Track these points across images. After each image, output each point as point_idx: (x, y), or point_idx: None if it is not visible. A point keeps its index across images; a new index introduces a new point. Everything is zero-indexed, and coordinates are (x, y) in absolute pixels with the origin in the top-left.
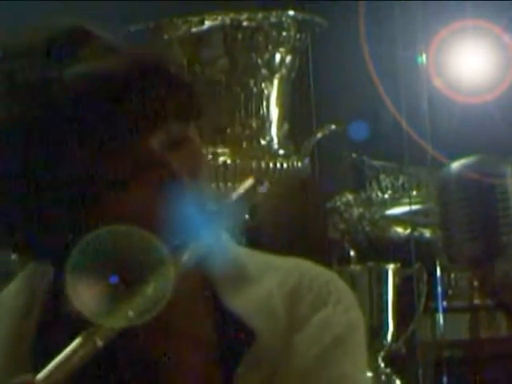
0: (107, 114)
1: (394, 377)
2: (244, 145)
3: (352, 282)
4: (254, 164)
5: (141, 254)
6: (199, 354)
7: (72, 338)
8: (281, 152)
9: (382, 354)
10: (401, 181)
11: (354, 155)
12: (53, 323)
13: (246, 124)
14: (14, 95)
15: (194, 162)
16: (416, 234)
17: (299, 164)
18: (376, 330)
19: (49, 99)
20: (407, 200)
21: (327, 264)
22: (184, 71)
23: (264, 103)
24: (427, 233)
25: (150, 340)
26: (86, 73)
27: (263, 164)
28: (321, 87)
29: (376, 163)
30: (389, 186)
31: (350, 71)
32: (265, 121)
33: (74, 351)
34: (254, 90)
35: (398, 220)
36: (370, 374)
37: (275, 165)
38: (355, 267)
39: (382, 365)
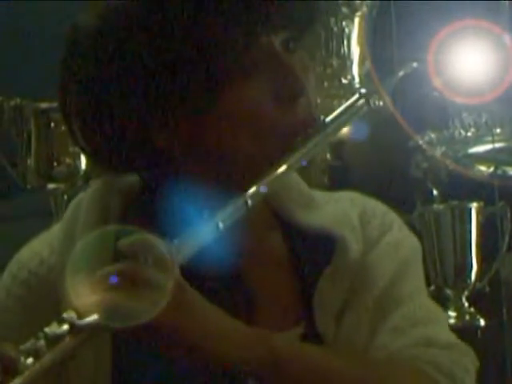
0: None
1: (478, 316)
2: (325, 84)
3: (435, 221)
4: (335, 103)
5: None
6: (278, 271)
7: None
8: (362, 91)
9: (466, 293)
10: (484, 118)
11: (435, 93)
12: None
13: (326, 63)
14: None
15: (305, 71)
16: (499, 171)
17: (381, 103)
18: (459, 270)
19: None
20: (490, 138)
21: (411, 203)
22: None
23: (345, 42)
24: (511, 171)
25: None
26: None
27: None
28: (403, 25)
29: (458, 101)
30: (472, 123)
31: (430, 8)
32: (346, 60)
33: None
34: (335, 29)
35: (482, 158)
36: (453, 314)
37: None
38: (438, 206)
39: (466, 304)
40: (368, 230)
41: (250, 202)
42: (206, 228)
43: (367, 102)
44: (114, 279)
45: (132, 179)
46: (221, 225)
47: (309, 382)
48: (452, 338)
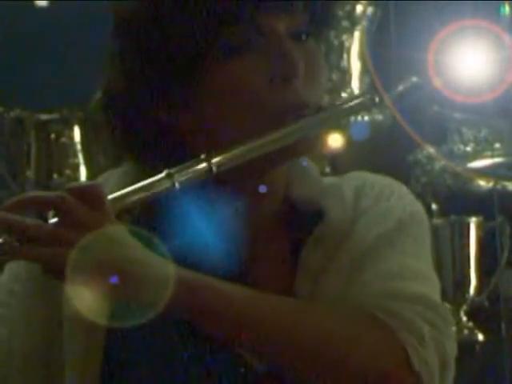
0: None
1: (477, 330)
2: (325, 98)
3: (434, 235)
4: None
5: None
6: (269, 239)
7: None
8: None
9: (465, 307)
10: (483, 133)
11: (435, 108)
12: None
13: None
14: None
15: (312, 62)
16: (499, 186)
17: (381, 117)
18: (458, 284)
19: None
20: (490, 153)
21: None
22: None
23: (344, 56)
24: (510, 186)
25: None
26: None
27: None
28: (402, 39)
29: (457, 116)
30: (471, 138)
31: (432, 22)
32: (345, 73)
33: (150, 185)
34: (335, 42)
35: (481, 173)
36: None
37: (356, 118)
38: (437, 220)
39: (465, 318)
40: (363, 200)
41: (214, 169)
42: (160, 184)
43: (372, 101)
44: (113, 279)
45: None
46: (177, 185)
47: (223, 314)
48: (423, 293)
